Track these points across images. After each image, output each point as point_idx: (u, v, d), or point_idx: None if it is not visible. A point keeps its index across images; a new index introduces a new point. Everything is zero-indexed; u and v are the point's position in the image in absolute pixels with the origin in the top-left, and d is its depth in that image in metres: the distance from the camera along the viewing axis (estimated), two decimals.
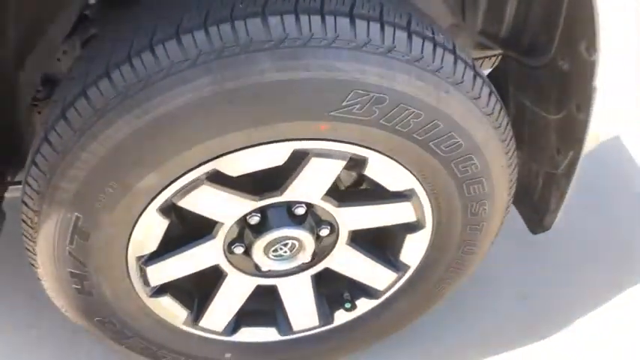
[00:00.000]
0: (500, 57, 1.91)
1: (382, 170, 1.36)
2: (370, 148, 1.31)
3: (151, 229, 1.35)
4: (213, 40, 1.15)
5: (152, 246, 1.39)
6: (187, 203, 1.32)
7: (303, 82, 1.18)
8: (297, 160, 1.31)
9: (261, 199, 1.37)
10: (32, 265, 1.47)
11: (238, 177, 1.31)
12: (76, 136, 1.22)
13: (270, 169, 1.31)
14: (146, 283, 1.44)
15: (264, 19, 1.15)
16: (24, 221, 1.38)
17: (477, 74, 1.32)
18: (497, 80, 1.59)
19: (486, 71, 1.79)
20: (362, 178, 1.47)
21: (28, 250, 1.43)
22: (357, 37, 1.19)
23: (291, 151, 1.28)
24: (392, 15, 1.23)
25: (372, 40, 1.20)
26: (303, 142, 1.26)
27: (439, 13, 1.61)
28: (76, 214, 1.30)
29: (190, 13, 1.18)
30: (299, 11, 1.17)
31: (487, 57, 2.02)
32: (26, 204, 1.34)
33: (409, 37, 1.23)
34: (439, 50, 1.26)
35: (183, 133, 1.21)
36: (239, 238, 1.45)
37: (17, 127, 1.57)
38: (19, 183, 1.62)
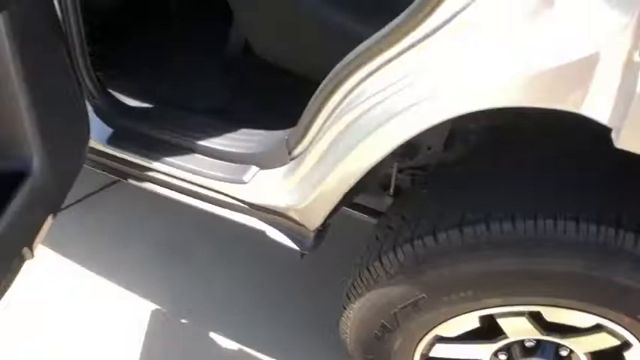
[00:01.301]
0: None
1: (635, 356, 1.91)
2: None
3: (464, 324, 1.93)
4: (601, 235, 1.67)
5: (453, 334, 1.97)
6: (502, 321, 1.91)
7: None
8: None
9: (547, 336, 1.93)
10: (348, 297, 2.02)
11: None
12: (456, 250, 1.76)
13: None
14: (426, 351, 2.04)
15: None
16: (369, 270, 1.93)
17: None
18: None
19: None
20: None
21: (354, 287, 1.98)
22: None
23: (595, 323, 1.83)
24: None
25: None
26: (608, 321, 1.82)
27: None
28: (423, 294, 1.86)
29: (586, 205, 1.72)
30: None
31: None
32: (382, 264, 1.88)
33: None
34: None
35: (544, 284, 1.76)
36: (507, 349, 2.02)
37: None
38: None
